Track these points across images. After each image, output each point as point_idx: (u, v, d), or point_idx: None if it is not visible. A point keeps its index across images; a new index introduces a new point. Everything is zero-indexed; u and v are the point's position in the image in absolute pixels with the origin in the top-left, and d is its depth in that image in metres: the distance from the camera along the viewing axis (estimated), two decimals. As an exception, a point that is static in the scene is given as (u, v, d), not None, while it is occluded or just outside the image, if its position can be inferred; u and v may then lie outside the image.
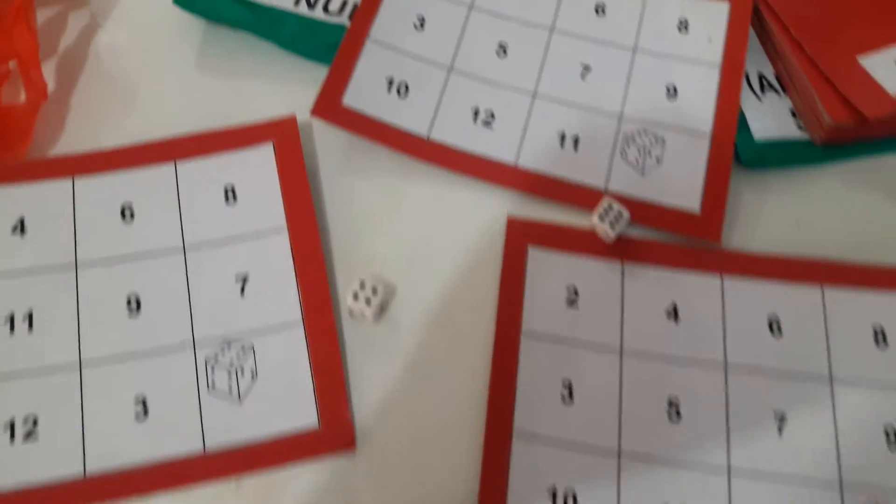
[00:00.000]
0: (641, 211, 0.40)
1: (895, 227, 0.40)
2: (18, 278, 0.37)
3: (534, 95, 0.43)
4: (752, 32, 0.45)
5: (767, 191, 0.42)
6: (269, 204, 0.39)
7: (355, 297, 0.37)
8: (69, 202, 0.39)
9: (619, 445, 0.35)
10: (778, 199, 0.41)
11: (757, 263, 0.39)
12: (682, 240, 0.40)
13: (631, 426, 0.35)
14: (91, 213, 0.39)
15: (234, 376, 0.36)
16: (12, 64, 0.43)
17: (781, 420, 0.35)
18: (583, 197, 0.40)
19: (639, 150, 0.42)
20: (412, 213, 0.41)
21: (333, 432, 0.35)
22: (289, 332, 0.36)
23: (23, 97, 0.42)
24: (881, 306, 0.37)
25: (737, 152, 0.41)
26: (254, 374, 0.36)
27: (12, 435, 0.34)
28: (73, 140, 0.42)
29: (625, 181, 0.41)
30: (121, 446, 0.34)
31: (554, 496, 0.34)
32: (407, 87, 0.43)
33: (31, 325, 0.36)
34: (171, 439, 0.34)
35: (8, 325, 0.36)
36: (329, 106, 0.42)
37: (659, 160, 0.41)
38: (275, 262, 0.38)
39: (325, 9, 0.46)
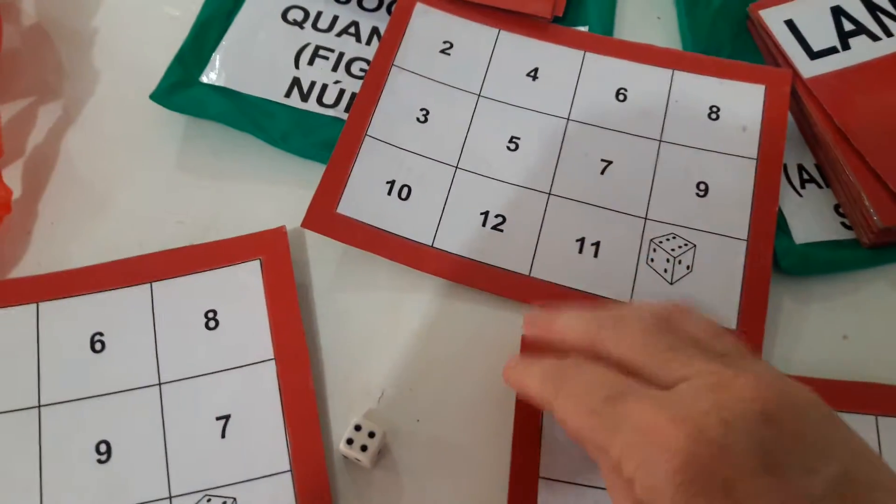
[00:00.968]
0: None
1: (956, 341, 0.36)
2: (-27, 421, 0.34)
3: (549, 194, 0.39)
4: (789, 117, 0.41)
5: (811, 299, 0.38)
6: (254, 330, 0.35)
7: (349, 442, 0.33)
8: (32, 331, 0.35)
9: None
10: (823, 309, 0.38)
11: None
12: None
13: None
14: (57, 344, 0.35)
15: (215, 537, 0.32)
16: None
17: None
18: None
19: (667, 257, 0.38)
20: (414, 333, 0.37)
21: None
22: (275, 481, 0.33)
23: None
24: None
25: (776, 257, 0.38)
26: (237, 534, 0.32)
27: None
28: (38, 256, 0.38)
29: (652, 291, 0.37)
30: None
31: None
32: (410, 190, 0.39)
33: (-13, 475, 0.33)
34: None
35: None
36: (321, 216, 0.38)
37: (689, 268, 0.37)
38: (260, 398, 0.34)
39: (320, 101, 0.42)
